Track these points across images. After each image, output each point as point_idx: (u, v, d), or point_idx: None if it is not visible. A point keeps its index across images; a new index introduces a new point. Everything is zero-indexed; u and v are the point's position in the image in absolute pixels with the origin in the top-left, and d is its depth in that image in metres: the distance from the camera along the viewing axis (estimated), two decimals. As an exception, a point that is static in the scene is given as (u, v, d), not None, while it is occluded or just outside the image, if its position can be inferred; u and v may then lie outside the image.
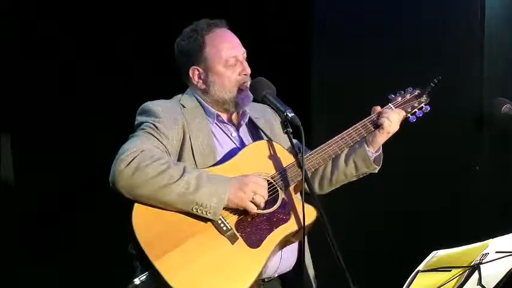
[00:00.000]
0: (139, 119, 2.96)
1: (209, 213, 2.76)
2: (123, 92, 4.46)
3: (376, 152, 3.07)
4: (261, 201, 2.81)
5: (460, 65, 4.22)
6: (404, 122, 3.08)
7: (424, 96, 3.09)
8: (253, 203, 2.80)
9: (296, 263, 2.99)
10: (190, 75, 3.03)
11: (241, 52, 3.02)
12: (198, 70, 3.01)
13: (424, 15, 4.43)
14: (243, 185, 2.79)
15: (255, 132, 3.10)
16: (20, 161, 4.68)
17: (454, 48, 4.33)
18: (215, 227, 2.80)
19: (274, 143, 2.98)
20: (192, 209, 2.76)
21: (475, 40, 4.30)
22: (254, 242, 2.80)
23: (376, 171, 3.11)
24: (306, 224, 2.80)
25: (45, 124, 4.63)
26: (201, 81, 3.02)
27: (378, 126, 3.01)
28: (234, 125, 3.07)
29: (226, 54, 2.98)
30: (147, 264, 2.74)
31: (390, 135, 3.03)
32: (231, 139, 3.03)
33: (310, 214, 2.82)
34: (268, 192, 2.86)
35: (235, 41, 3.03)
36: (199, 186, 2.75)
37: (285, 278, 3.00)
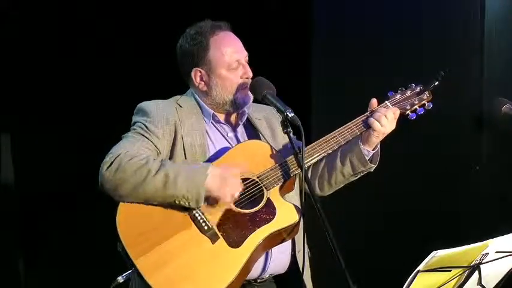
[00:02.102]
0: (133, 118, 3.00)
1: (191, 203, 2.77)
2: (123, 92, 4.46)
3: (373, 150, 3.03)
4: (236, 197, 2.82)
5: (460, 65, 4.22)
6: (404, 119, 3.04)
7: (426, 93, 3.04)
8: (232, 197, 2.81)
9: (290, 263, 2.99)
10: (192, 76, 3.04)
11: (243, 55, 3.03)
12: (200, 72, 3.02)
13: (424, 15, 4.43)
14: (224, 180, 2.79)
15: (253, 132, 3.10)
16: (20, 161, 4.68)
17: (454, 48, 4.32)
18: (197, 226, 2.81)
19: (264, 143, 2.98)
20: (174, 201, 2.78)
21: (475, 40, 4.30)
22: (235, 242, 2.80)
23: (372, 170, 3.10)
24: (287, 225, 2.83)
25: (45, 124, 4.63)
26: (202, 83, 3.03)
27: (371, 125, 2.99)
28: (231, 125, 3.08)
29: (230, 58, 2.99)
30: (130, 262, 2.76)
31: (386, 134, 2.99)
32: (226, 139, 3.03)
33: (293, 215, 2.84)
34: (254, 191, 2.87)
35: (239, 44, 3.05)
36: (177, 177, 2.76)
37: (280, 279, 3.00)
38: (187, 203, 2.77)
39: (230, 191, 2.80)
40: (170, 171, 2.78)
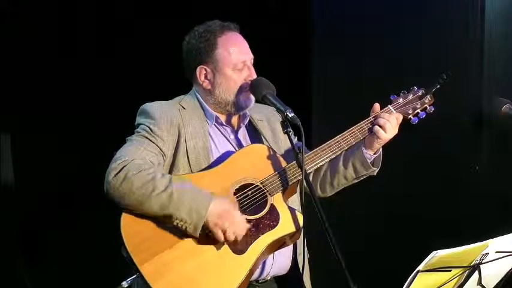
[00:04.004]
0: (137, 120, 3.00)
1: (189, 228, 2.77)
2: (124, 92, 4.46)
3: (375, 153, 3.04)
4: (231, 239, 2.78)
5: (460, 65, 4.21)
6: (407, 123, 3.04)
7: (428, 96, 3.04)
8: (224, 235, 2.78)
9: (292, 265, 3.00)
10: (197, 74, 3.04)
11: (250, 57, 3.04)
12: (205, 70, 3.02)
13: (424, 15, 4.43)
14: (223, 216, 2.77)
15: (255, 134, 3.10)
16: (20, 161, 4.68)
17: (454, 48, 4.32)
18: (201, 233, 2.80)
19: (267, 147, 2.98)
20: (174, 223, 2.77)
21: (475, 40, 4.30)
22: (239, 249, 2.80)
23: (375, 174, 3.10)
24: (291, 231, 2.83)
25: (45, 124, 4.63)
26: (207, 81, 3.03)
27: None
28: (233, 127, 3.08)
29: (236, 58, 3.00)
30: (135, 268, 2.77)
31: (388, 139, 3.00)
32: (229, 141, 3.03)
33: (296, 221, 2.84)
34: (257, 197, 2.86)
35: (246, 46, 3.05)
36: (180, 201, 2.76)
37: (281, 280, 3.00)
38: (185, 227, 2.77)
39: (223, 229, 2.77)
40: (175, 192, 2.77)
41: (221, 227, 2.77)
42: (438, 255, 2.48)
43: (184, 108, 3.01)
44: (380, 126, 2.95)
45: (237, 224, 2.78)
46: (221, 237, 2.78)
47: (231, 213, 2.78)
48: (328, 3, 4.66)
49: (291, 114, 2.82)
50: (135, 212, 2.80)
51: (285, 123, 2.82)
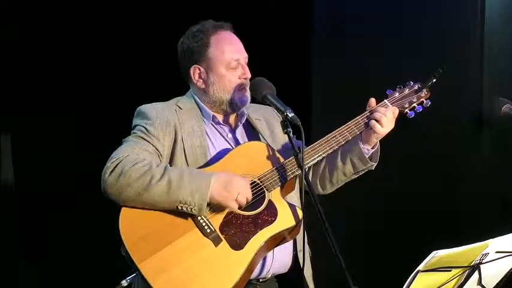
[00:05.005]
0: (134, 121, 3.01)
1: (194, 209, 2.78)
2: (124, 92, 4.46)
3: (372, 148, 3.04)
4: (244, 202, 2.81)
5: (460, 65, 4.22)
6: (403, 118, 3.04)
7: (424, 90, 3.04)
8: (236, 202, 2.80)
9: (292, 263, 3.00)
10: (191, 73, 3.04)
11: (243, 56, 3.04)
12: (199, 69, 3.03)
13: (424, 15, 4.43)
14: (228, 184, 2.79)
15: (253, 133, 3.11)
16: (20, 161, 4.68)
17: (454, 48, 4.32)
18: (199, 230, 2.81)
19: (265, 144, 2.98)
20: (177, 207, 2.78)
21: (475, 40, 4.30)
22: (237, 244, 2.81)
23: (373, 168, 3.10)
24: (289, 226, 2.84)
25: (45, 124, 4.63)
26: (201, 80, 3.03)
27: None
28: (230, 126, 3.08)
29: (229, 57, 3.00)
30: (134, 266, 2.77)
31: (385, 133, 3.00)
32: (226, 140, 3.03)
33: (295, 216, 2.85)
34: (255, 193, 2.87)
35: (239, 44, 3.06)
36: (181, 183, 2.77)
37: (282, 279, 3.00)
38: (189, 209, 2.78)
39: (233, 197, 2.79)
40: (173, 177, 2.78)
41: (232, 198, 2.78)
42: (438, 255, 2.48)
43: (181, 109, 3.02)
44: (376, 121, 2.95)
45: (244, 187, 2.80)
46: (235, 207, 2.80)
47: (234, 181, 2.79)
48: (328, 3, 4.66)
49: (291, 114, 2.82)
50: (136, 206, 2.80)
51: (285, 123, 2.83)
